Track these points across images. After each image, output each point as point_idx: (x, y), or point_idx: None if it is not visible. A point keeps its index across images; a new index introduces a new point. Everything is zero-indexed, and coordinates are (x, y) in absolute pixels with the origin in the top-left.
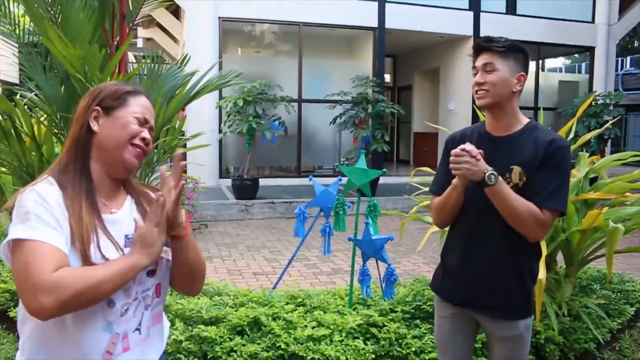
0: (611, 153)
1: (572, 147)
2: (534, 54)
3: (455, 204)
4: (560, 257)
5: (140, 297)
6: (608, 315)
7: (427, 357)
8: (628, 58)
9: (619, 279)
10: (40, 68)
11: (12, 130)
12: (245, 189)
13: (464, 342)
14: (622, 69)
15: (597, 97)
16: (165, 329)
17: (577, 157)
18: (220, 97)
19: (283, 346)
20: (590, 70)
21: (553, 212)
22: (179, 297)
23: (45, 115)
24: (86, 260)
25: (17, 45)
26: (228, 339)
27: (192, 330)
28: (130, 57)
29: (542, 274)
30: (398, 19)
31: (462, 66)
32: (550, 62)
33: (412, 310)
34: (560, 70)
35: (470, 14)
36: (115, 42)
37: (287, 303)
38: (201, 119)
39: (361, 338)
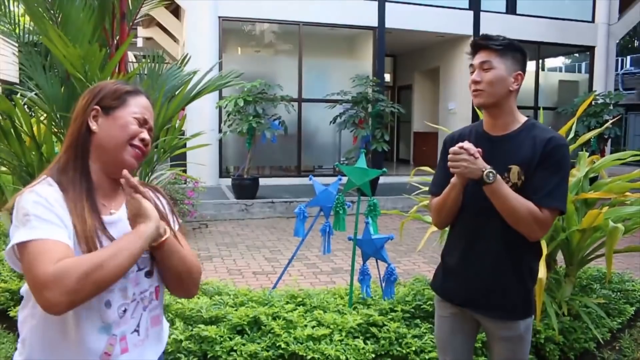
0: (611, 152)
1: (572, 146)
2: (534, 54)
3: (454, 204)
4: (560, 256)
5: (138, 298)
6: (608, 315)
7: (427, 357)
8: (628, 57)
9: (619, 278)
10: (40, 67)
11: (12, 130)
12: (245, 189)
13: (464, 341)
14: (622, 68)
15: (597, 97)
16: (165, 331)
17: (577, 156)
18: (220, 97)
19: (283, 346)
20: (590, 70)
21: (552, 211)
22: None
23: (45, 115)
24: None
25: (17, 45)
26: (228, 339)
27: (192, 330)
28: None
29: (542, 273)
30: (398, 18)
31: (462, 66)
32: (550, 62)
33: (412, 310)
34: (560, 70)
35: (470, 13)
36: (115, 42)
37: (287, 302)
38: (201, 118)
39: (361, 337)
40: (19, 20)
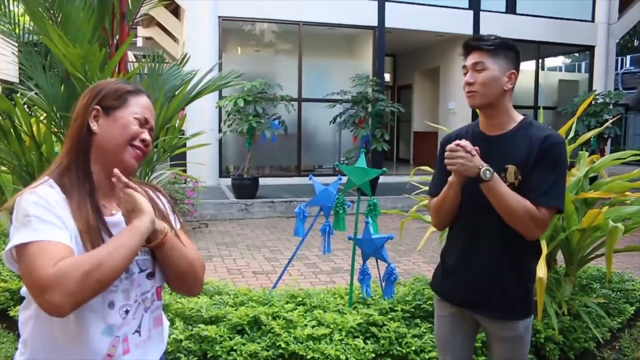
0: (611, 152)
1: (572, 146)
2: (534, 53)
3: (452, 203)
4: (560, 256)
5: (139, 299)
6: (608, 315)
7: (427, 356)
8: (628, 57)
9: (619, 278)
10: (40, 67)
11: (12, 130)
12: (245, 188)
13: (464, 341)
14: (622, 68)
15: (597, 96)
16: (165, 330)
17: (577, 156)
18: (220, 97)
19: (283, 345)
20: (590, 69)
21: (550, 210)
22: (179, 296)
23: (44, 115)
24: None
25: (17, 44)
26: (228, 338)
27: (192, 330)
28: (130, 56)
29: (542, 273)
30: (398, 18)
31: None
32: (550, 61)
33: (412, 310)
34: (560, 69)
35: (470, 13)
36: (115, 42)
37: (287, 302)
38: (201, 118)
39: (361, 337)
40: (18, 20)
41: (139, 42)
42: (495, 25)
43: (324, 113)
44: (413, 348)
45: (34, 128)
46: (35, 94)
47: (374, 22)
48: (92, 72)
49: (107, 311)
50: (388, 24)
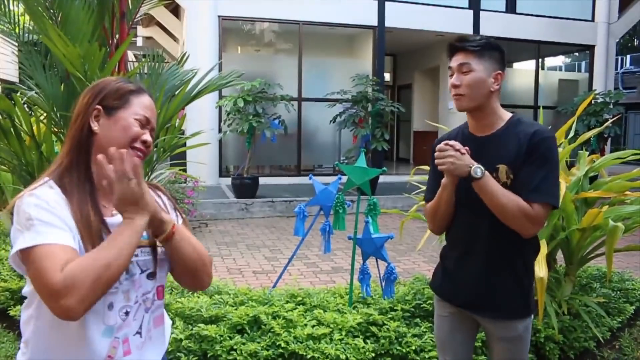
0: (611, 151)
1: (572, 145)
2: (534, 53)
3: (447, 205)
4: (560, 255)
5: (140, 300)
6: (608, 314)
7: (427, 356)
8: (628, 56)
9: (619, 277)
10: (40, 67)
11: (12, 129)
12: (245, 188)
13: (464, 341)
14: (622, 67)
15: (597, 96)
16: (167, 329)
17: (577, 155)
18: (220, 96)
19: (283, 345)
20: (590, 69)
21: (543, 206)
22: (179, 295)
23: (44, 114)
24: None
25: (16, 44)
26: (228, 338)
27: (192, 329)
28: (130, 55)
29: (543, 272)
30: (398, 17)
31: None
32: (550, 61)
33: (412, 309)
34: (560, 69)
35: (470, 12)
36: (115, 41)
37: (287, 302)
38: (201, 117)
39: (361, 337)
40: (18, 19)
41: (139, 42)
42: (495, 24)
43: (324, 113)
44: (413, 347)
45: (34, 127)
46: (36, 93)
47: (374, 21)
48: (92, 71)
49: (106, 312)
50: (388, 23)
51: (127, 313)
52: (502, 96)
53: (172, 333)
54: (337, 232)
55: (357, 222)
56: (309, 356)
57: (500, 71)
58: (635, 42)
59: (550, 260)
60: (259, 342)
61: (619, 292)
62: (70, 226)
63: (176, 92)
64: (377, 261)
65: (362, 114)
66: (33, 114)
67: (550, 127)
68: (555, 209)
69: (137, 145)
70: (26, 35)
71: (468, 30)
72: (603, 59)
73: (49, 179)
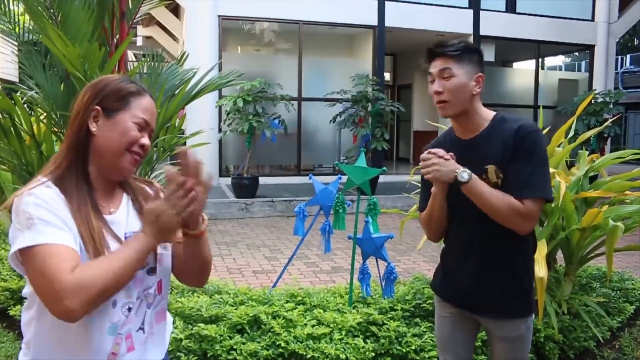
0: (611, 151)
1: (572, 145)
2: (534, 52)
3: (440, 213)
4: (560, 255)
5: (142, 296)
6: (608, 314)
7: (427, 356)
8: (628, 56)
9: (619, 277)
10: (39, 66)
11: (12, 128)
12: (245, 188)
13: (464, 341)
14: (622, 67)
15: (597, 95)
16: (169, 326)
17: (577, 155)
18: (220, 96)
19: (283, 344)
20: (590, 69)
21: (534, 201)
22: (179, 295)
23: (44, 114)
24: None
25: (16, 44)
26: (228, 338)
27: (192, 329)
28: (130, 55)
29: (543, 272)
30: (398, 17)
31: None
32: (550, 61)
33: (412, 309)
34: (560, 69)
35: (470, 12)
36: (115, 41)
37: (287, 301)
38: (201, 117)
39: (361, 336)
40: (18, 19)
41: (139, 41)
42: (495, 24)
43: (323, 112)
44: (413, 347)
45: (34, 127)
46: (35, 93)
47: (374, 21)
48: (92, 71)
49: (110, 310)
50: (388, 23)
51: (129, 309)
52: (502, 96)
53: (172, 332)
54: (337, 232)
55: (357, 222)
56: (308, 356)
57: (480, 73)
58: (635, 42)
59: (550, 259)
60: (259, 342)
61: (618, 292)
62: (70, 226)
63: (176, 92)
64: (377, 261)
65: (362, 114)
66: (33, 113)
67: (550, 126)
68: (549, 202)
69: (135, 149)
70: (26, 34)
71: (468, 30)
72: (603, 58)
73: (47, 180)
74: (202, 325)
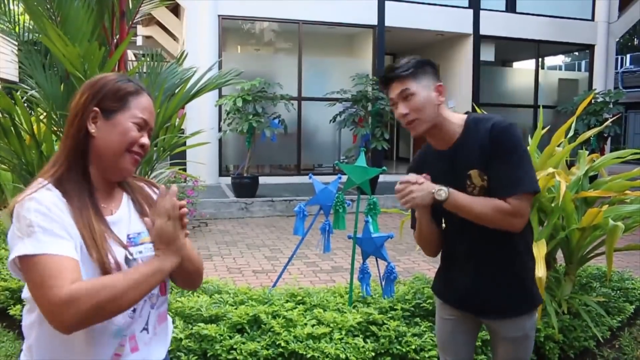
0: (611, 151)
1: (572, 145)
2: (534, 52)
3: (429, 231)
4: (560, 255)
5: (146, 297)
6: (608, 313)
7: (427, 355)
8: (628, 56)
9: (619, 276)
10: (39, 66)
11: (12, 128)
12: (245, 187)
13: (466, 342)
14: (622, 66)
15: (597, 95)
16: (169, 327)
17: (577, 155)
18: (220, 95)
19: (283, 344)
20: (590, 68)
21: (520, 197)
22: (179, 295)
23: (44, 113)
24: (103, 268)
25: (16, 43)
26: (228, 337)
27: (191, 328)
28: (130, 55)
29: (542, 272)
30: (398, 16)
31: (462, 64)
32: (550, 60)
33: (412, 308)
34: (560, 68)
35: (470, 11)
36: (115, 40)
37: (287, 301)
38: (201, 117)
39: (361, 336)
40: (18, 18)
41: (139, 41)
42: (495, 24)
43: (323, 112)
44: (413, 347)
45: (34, 126)
46: (35, 92)
47: (374, 20)
48: (92, 71)
49: None
50: (388, 22)
51: (134, 310)
52: (502, 96)
53: (172, 332)
54: (337, 232)
55: (357, 222)
56: (308, 355)
57: (439, 83)
58: (635, 42)
59: (550, 259)
60: (258, 342)
61: (618, 292)
62: (72, 233)
63: (176, 91)
64: (377, 260)
65: (362, 113)
66: (33, 113)
67: (549, 126)
68: (537, 194)
69: (135, 149)
70: (26, 34)
71: (468, 29)
72: (603, 58)
73: (47, 182)
74: (202, 324)
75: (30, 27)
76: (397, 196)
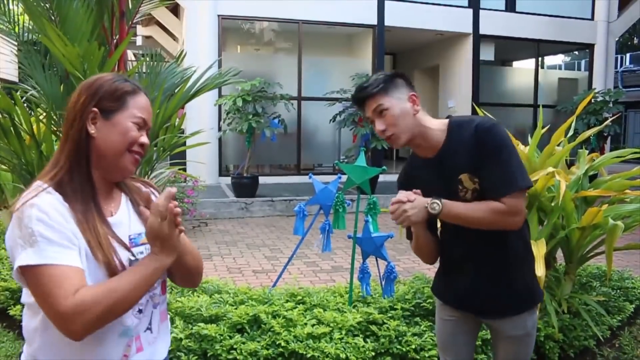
0: (611, 150)
1: (572, 144)
2: (534, 51)
3: (426, 243)
4: (560, 254)
5: (149, 296)
6: (608, 313)
7: (427, 355)
8: (627, 55)
9: (619, 276)
10: (39, 66)
11: (12, 128)
12: (245, 187)
13: (466, 342)
14: (621, 66)
15: (597, 95)
16: (169, 324)
17: (577, 154)
18: (220, 95)
19: (283, 344)
20: (590, 68)
21: (513, 195)
22: (179, 295)
23: (44, 113)
24: (110, 270)
25: (16, 44)
26: (228, 337)
27: (192, 328)
28: (130, 55)
29: (541, 271)
30: (397, 16)
31: (462, 64)
32: (549, 60)
33: (412, 308)
34: (560, 68)
35: (470, 11)
36: (115, 40)
37: (287, 301)
38: (201, 116)
39: (361, 336)
40: (18, 18)
41: (138, 41)
42: (495, 23)
43: (323, 112)
44: (413, 346)
45: (34, 126)
46: (36, 92)
47: (374, 20)
48: (91, 71)
49: (125, 314)
50: (387, 22)
51: (140, 311)
52: (502, 95)
53: (172, 332)
54: (337, 231)
55: (357, 221)
56: (308, 355)
57: (412, 93)
58: (635, 41)
59: (550, 258)
60: (258, 342)
61: (618, 291)
62: (75, 239)
63: (175, 91)
64: (377, 260)
65: (361, 113)
66: (33, 113)
67: (549, 125)
68: (530, 188)
69: (135, 148)
70: (26, 34)
71: (468, 29)
72: (603, 57)
73: (48, 186)
74: (202, 324)
75: (30, 27)
76: (391, 217)
